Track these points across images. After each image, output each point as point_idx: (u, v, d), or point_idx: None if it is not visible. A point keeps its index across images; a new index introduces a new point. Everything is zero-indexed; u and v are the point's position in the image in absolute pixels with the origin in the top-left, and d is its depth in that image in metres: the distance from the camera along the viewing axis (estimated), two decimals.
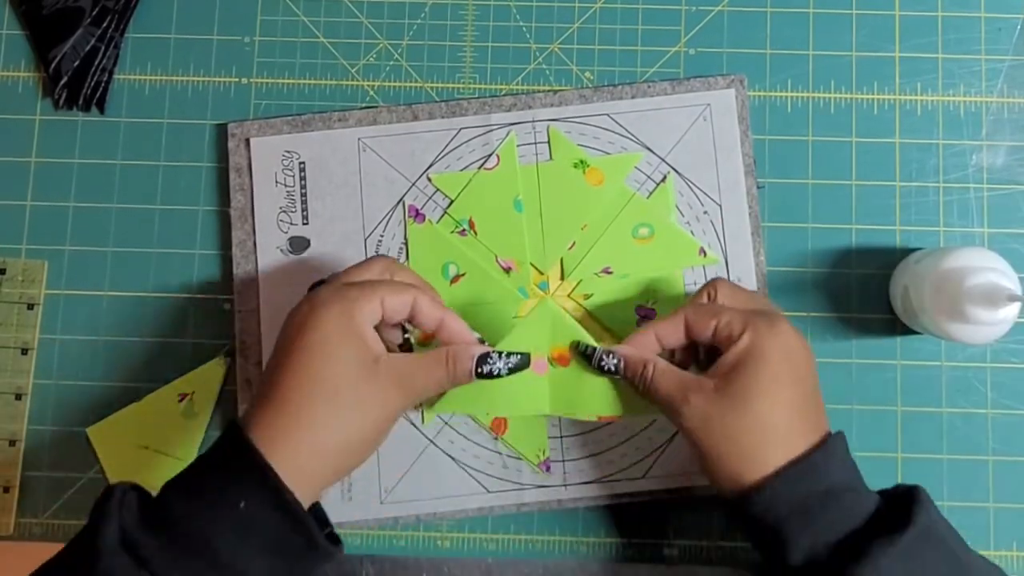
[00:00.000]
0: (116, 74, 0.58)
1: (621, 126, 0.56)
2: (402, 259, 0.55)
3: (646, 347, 0.47)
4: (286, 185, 0.56)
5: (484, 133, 0.56)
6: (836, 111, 0.57)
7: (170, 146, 0.58)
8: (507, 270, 0.55)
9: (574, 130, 0.56)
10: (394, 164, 0.56)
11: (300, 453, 0.41)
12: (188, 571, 0.38)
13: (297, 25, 0.59)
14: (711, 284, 0.48)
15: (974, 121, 0.57)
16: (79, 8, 0.58)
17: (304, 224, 0.56)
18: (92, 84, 0.58)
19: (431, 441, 0.54)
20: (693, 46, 0.58)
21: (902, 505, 0.41)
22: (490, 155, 0.56)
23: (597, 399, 0.51)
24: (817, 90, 0.57)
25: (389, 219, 0.56)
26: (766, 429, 0.42)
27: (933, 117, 0.57)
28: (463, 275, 0.55)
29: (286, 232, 0.56)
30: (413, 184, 0.56)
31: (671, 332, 0.46)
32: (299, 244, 0.55)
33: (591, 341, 0.50)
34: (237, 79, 0.58)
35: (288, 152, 0.56)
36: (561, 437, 0.54)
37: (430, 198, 0.56)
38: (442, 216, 0.56)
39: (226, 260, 0.56)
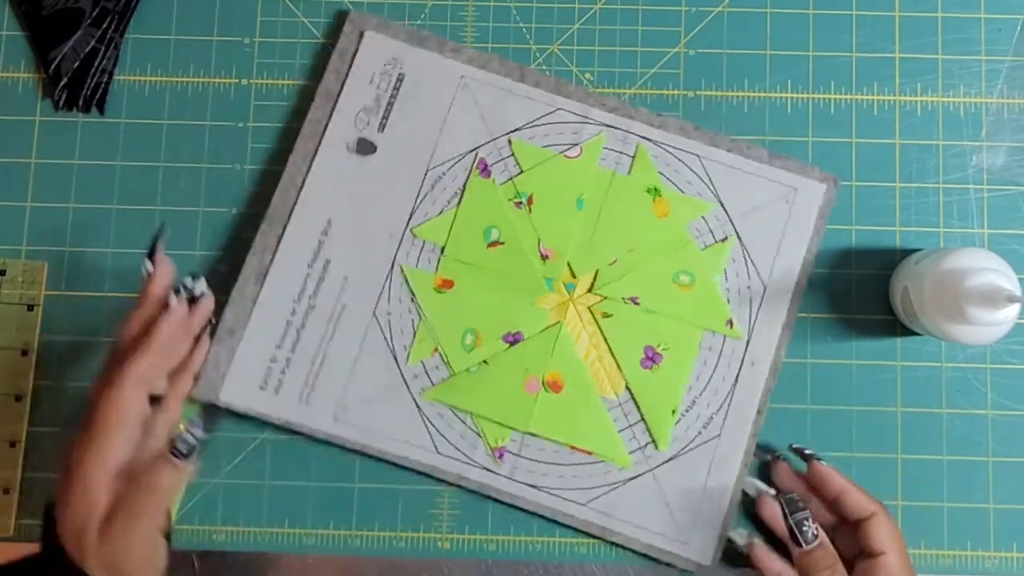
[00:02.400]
0: (116, 75, 0.58)
1: (707, 172, 0.55)
2: (452, 205, 0.55)
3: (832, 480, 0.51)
4: (379, 88, 0.56)
5: (579, 122, 0.56)
6: (836, 111, 0.57)
7: (170, 146, 0.58)
8: (544, 257, 0.55)
9: (661, 156, 0.56)
10: (484, 114, 0.56)
11: None
12: None
13: (297, 26, 0.59)
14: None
15: (974, 122, 0.57)
16: (79, 9, 0.58)
17: (379, 131, 0.56)
18: (92, 85, 0.58)
19: (405, 382, 0.54)
20: (693, 47, 0.58)
21: None
22: (575, 145, 0.56)
23: (579, 431, 0.54)
24: (817, 90, 0.57)
25: (457, 162, 0.56)
26: None
27: (933, 118, 0.57)
28: (502, 244, 0.55)
29: (360, 130, 0.56)
30: (493, 140, 0.56)
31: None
32: (365, 147, 0.55)
33: (588, 378, 0.54)
34: (237, 79, 0.58)
35: (394, 59, 0.56)
36: (524, 433, 0.54)
37: (503, 159, 0.56)
38: (507, 181, 0.56)
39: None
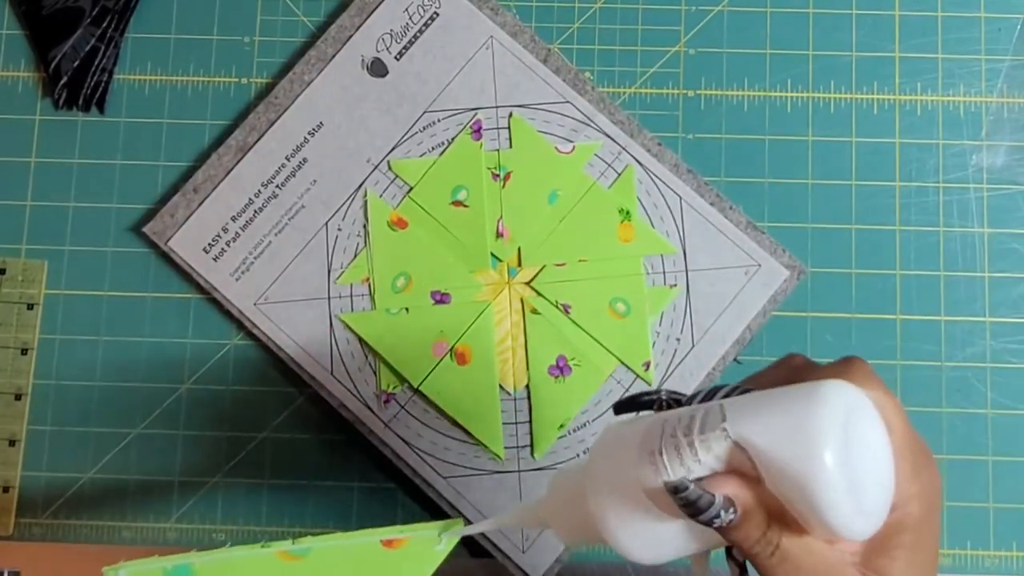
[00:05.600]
0: (116, 74, 0.58)
1: (683, 216, 0.55)
2: (434, 153, 0.56)
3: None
4: (411, 18, 0.57)
5: (582, 122, 0.56)
6: (836, 111, 0.57)
7: (170, 146, 0.58)
8: (499, 235, 0.55)
9: (646, 184, 0.56)
10: (498, 80, 0.56)
11: None
12: None
13: (297, 25, 0.59)
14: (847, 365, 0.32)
15: (974, 121, 0.57)
16: (79, 8, 0.58)
17: (396, 59, 0.56)
18: (92, 84, 0.58)
19: (328, 297, 0.55)
20: (693, 46, 0.58)
21: None
22: (570, 142, 0.56)
23: (466, 408, 0.54)
24: (817, 90, 0.57)
25: (455, 115, 0.56)
26: None
27: (933, 117, 0.57)
28: (466, 207, 0.55)
29: (379, 52, 0.56)
30: (496, 107, 0.56)
31: None
32: (379, 68, 0.56)
33: (494, 363, 0.54)
34: (237, 79, 0.58)
35: None
36: (414, 389, 0.54)
37: (497, 129, 0.56)
38: (493, 151, 0.56)
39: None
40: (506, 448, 0.54)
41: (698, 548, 0.31)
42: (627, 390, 0.54)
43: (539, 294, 0.55)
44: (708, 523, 0.29)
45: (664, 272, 0.55)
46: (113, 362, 0.56)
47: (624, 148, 0.56)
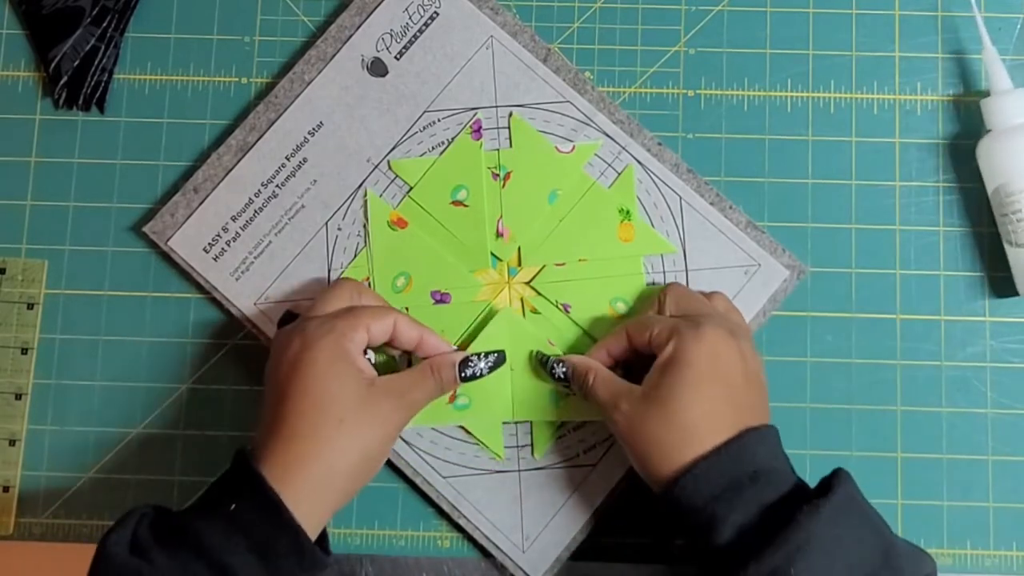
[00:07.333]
0: (116, 74, 0.58)
1: (683, 216, 0.55)
2: (435, 152, 0.56)
3: (596, 358, 0.51)
4: (411, 18, 0.57)
5: (582, 122, 0.56)
6: (836, 111, 0.57)
7: (170, 146, 0.58)
8: (500, 235, 0.55)
9: (646, 183, 0.56)
10: (498, 80, 0.56)
11: (311, 480, 0.44)
12: (176, 559, 0.42)
13: (297, 25, 0.59)
14: (664, 289, 0.51)
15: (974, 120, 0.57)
16: (79, 8, 0.58)
17: (396, 58, 0.56)
18: (92, 84, 0.58)
19: None
20: (693, 46, 0.58)
21: (825, 482, 0.44)
22: (570, 141, 0.56)
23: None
24: (817, 90, 0.58)
25: (455, 115, 0.56)
26: (685, 428, 0.44)
27: (933, 116, 0.57)
28: (466, 206, 0.55)
29: (379, 51, 0.56)
30: (495, 107, 0.56)
31: (616, 344, 0.50)
32: (379, 68, 0.56)
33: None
34: (237, 79, 0.58)
35: None
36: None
37: (497, 128, 0.56)
38: (493, 150, 0.56)
39: None
40: (506, 448, 0.54)
41: None
42: None
43: (539, 294, 0.55)
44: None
45: (664, 272, 0.55)
46: (113, 362, 0.56)
47: (624, 148, 0.56)
